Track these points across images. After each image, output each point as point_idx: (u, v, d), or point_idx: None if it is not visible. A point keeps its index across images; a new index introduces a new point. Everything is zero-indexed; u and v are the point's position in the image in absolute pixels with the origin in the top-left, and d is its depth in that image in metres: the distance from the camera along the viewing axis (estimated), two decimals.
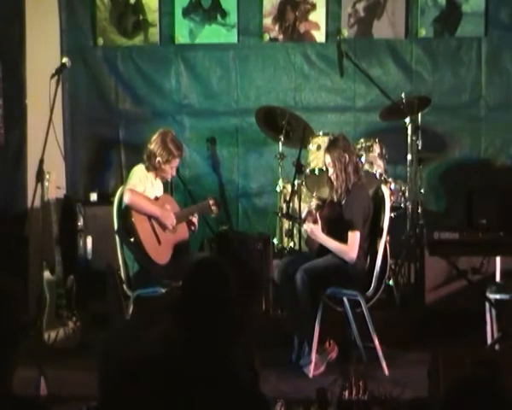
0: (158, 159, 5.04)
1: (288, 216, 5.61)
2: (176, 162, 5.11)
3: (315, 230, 4.96)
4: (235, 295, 2.43)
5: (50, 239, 5.21)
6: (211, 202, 5.26)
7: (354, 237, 4.85)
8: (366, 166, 5.62)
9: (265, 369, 3.84)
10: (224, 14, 6.51)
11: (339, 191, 5.00)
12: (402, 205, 5.77)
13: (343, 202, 5.00)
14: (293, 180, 5.70)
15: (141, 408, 2.19)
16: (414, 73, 6.46)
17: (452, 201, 6.30)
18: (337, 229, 4.96)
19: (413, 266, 5.70)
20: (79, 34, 6.60)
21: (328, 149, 5.06)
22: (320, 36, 6.48)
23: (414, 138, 5.72)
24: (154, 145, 5.06)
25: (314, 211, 5.16)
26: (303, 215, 5.16)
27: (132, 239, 4.88)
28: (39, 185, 4.57)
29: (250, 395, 2.29)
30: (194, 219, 5.18)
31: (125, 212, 4.92)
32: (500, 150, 6.40)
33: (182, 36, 6.56)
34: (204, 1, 6.54)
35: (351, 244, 4.85)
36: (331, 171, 5.02)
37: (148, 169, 5.08)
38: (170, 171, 5.11)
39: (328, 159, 5.03)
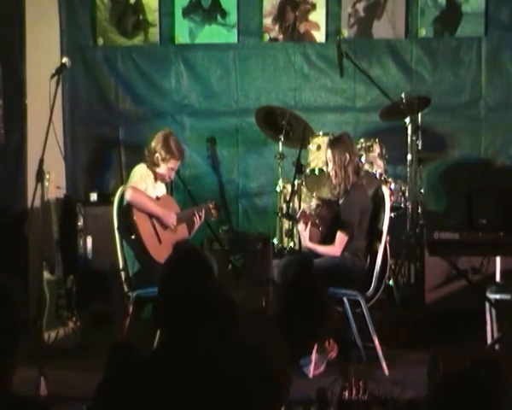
0: (157, 155, 5.06)
1: (288, 216, 5.60)
2: (173, 164, 5.12)
3: (302, 240, 5.03)
4: (217, 284, 2.39)
5: (50, 239, 5.21)
6: (211, 205, 5.30)
7: (343, 239, 4.92)
8: (366, 166, 5.62)
9: None
10: (224, 14, 6.51)
11: (337, 189, 5.03)
12: (402, 205, 5.77)
13: (341, 202, 5.02)
14: (293, 180, 5.70)
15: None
16: (414, 73, 6.46)
17: (452, 201, 6.30)
18: (335, 228, 4.97)
19: (413, 266, 5.70)
20: (79, 34, 6.59)
21: (331, 146, 5.09)
22: (320, 36, 6.48)
23: (414, 138, 5.72)
24: (155, 142, 5.11)
25: (308, 213, 5.18)
26: (297, 215, 5.19)
27: (133, 236, 4.89)
28: (39, 185, 4.56)
29: (241, 388, 2.27)
30: (201, 215, 5.19)
31: (127, 209, 4.93)
32: (500, 150, 6.40)
33: (182, 36, 6.56)
34: (204, 1, 6.53)
35: (337, 245, 4.93)
36: (330, 166, 5.05)
37: (149, 168, 5.10)
38: (167, 172, 5.11)
39: (329, 154, 5.07)
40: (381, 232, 4.95)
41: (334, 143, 5.09)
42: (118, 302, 5.14)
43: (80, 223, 6.00)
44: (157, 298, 2.37)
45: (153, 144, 5.10)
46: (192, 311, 2.30)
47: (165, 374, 2.23)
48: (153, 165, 5.09)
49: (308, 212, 5.21)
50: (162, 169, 5.10)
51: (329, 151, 5.07)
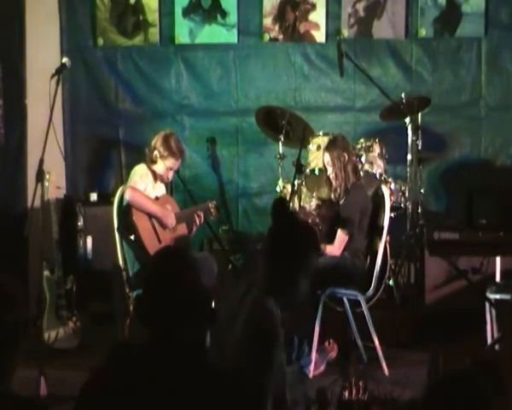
0: (155, 152, 5.07)
1: None
2: (172, 163, 5.10)
3: None
4: (198, 279, 2.39)
5: (50, 239, 5.20)
6: (210, 204, 5.31)
7: (342, 238, 4.92)
8: (366, 166, 5.63)
9: None
10: (224, 14, 6.51)
11: (338, 191, 5.03)
12: (402, 205, 5.77)
13: (341, 202, 5.03)
14: (293, 180, 5.70)
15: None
16: (414, 73, 6.46)
17: (452, 201, 6.30)
18: (335, 228, 4.98)
19: (413, 266, 5.70)
20: (79, 34, 6.60)
21: (328, 148, 5.08)
22: (320, 36, 6.48)
23: (414, 138, 5.72)
24: (155, 140, 5.13)
25: (308, 210, 5.18)
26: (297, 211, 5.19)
27: (132, 237, 4.90)
28: (39, 185, 4.57)
29: (220, 376, 2.27)
30: (201, 215, 5.20)
31: (126, 209, 4.93)
32: (500, 150, 6.40)
33: (182, 36, 6.56)
34: (204, 1, 6.54)
35: (337, 245, 4.93)
36: (330, 170, 5.05)
37: (149, 168, 5.10)
38: (165, 171, 5.10)
39: (327, 158, 5.06)
40: (381, 232, 4.95)
41: (331, 146, 5.09)
42: (120, 302, 5.14)
43: (80, 223, 6.00)
44: (141, 297, 2.36)
45: (153, 142, 5.12)
46: (175, 311, 2.29)
47: (148, 373, 2.22)
48: (151, 162, 5.10)
49: (307, 210, 5.21)
50: (160, 167, 5.09)
51: (327, 155, 5.06)
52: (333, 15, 6.45)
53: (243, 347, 2.72)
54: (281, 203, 3.15)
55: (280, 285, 2.88)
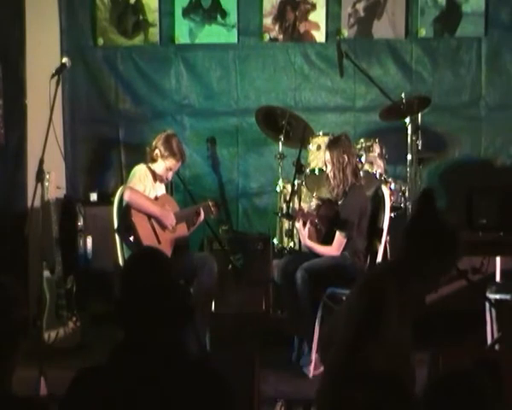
0: (156, 151, 5.08)
1: (288, 216, 5.61)
2: (171, 163, 5.10)
3: (301, 237, 5.05)
4: (175, 281, 2.38)
5: (50, 239, 5.21)
6: (211, 203, 5.31)
7: (341, 240, 4.94)
8: (366, 166, 5.63)
9: (265, 369, 3.84)
10: (224, 14, 6.51)
11: (335, 191, 5.05)
12: (402, 205, 5.76)
13: (340, 203, 5.04)
14: (293, 180, 5.70)
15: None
16: (414, 73, 6.46)
17: (452, 201, 6.30)
18: (335, 228, 4.98)
19: None
20: (79, 34, 6.60)
21: (329, 147, 5.11)
22: (320, 36, 6.48)
23: (414, 138, 5.72)
24: (157, 139, 5.13)
25: (306, 211, 5.19)
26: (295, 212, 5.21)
27: (132, 238, 4.90)
28: (39, 185, 4.57)
29: (202, 373, 2.27)
30: (200, 212, 5.21)
31: (125, 210, 4.93)
32: (500, 150, 6.40)
33: (182, 36, 6.56)
34: (204, 1, 6.54)
35: (335, 246, 4.95)
36: (329, 168, 5.07)
37: (148, 169, 5.10)
38: (165, 172, 5.11)
39: (327, 155, 5.09)
40: (381, 232, 4.95)
41: (333, 145, 5.10)
42: None
43: (80, 223, 6.00)
44: (117, 301, 2.35)
45: (154, 141, 5.14)
46: (152, 312, 2.28)
47: (137, 375, 2.22)
48: (151, 161, 5.10)
49: (306, 210, 5.22)
50: (160, 167, 5.10)
51: (328, 153, 5.08)
52: (333, 15, 6.45)
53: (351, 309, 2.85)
54: (430, 194, 3.19)
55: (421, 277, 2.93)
